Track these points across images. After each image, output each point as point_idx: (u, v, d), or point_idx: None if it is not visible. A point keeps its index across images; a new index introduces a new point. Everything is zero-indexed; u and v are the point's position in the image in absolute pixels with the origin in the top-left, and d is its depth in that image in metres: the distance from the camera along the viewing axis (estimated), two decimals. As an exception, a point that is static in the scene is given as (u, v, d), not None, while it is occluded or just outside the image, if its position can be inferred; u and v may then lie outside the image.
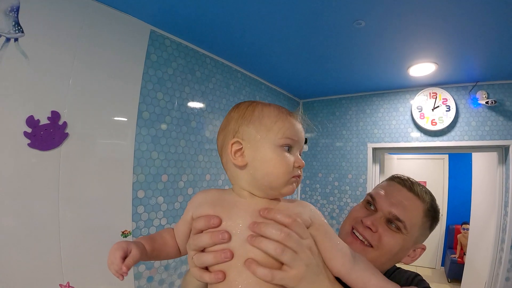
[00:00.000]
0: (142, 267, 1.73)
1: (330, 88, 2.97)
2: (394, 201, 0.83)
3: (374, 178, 3.06)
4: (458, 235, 5.61)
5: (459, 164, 5.82)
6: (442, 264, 6.18)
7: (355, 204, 2.70)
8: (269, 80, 2.78)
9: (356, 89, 2.99)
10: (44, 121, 1.33)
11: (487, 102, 2.44)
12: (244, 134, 0.63)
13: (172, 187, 1.88)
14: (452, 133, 2.68)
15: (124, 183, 1.64)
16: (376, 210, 0.84)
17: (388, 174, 3.84)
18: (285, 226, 0.59)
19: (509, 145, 2.49)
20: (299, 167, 0.64)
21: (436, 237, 6.22)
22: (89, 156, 1.49)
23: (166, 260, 1.84)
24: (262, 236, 0.58)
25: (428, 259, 6.35)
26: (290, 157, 0.63)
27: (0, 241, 1.23)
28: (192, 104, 2.02)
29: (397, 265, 0.90)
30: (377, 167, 3.10)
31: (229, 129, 0.65)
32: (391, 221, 0.81)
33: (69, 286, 1.39)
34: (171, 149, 1.88)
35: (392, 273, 0.89)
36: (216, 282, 0.60)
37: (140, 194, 1.71)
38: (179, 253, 0.74)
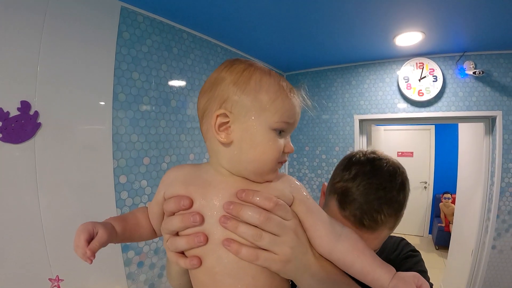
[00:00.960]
0: (131, 253, 1.71)
1: (314, 59, 2.89)
2: None
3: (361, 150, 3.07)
4: (440, 204, 5.82)
5: (445, 134, 5.94)
6: (430, 232, 6.48)
7: None
8: (251, 54, 2.69)
9: (341, 60, 2.92)
10: (14, 112, 1.26)
11: (474, 73, 2.42)
12: (234, 106, 0.54)
13: (155, 170, 1.84)
14: (439, 103, 2.67)
15: (105, 170, 1.60)
16: None
17: (375, 146, 3.87)
18: (266, 210, 0.53)
19: (496, 116, 2.50)
20: (287, 152, 0.58)
21: (423, 206, 6.48)
22: (65, 144, 1.43)
23: (155, 244, 1.83)
24: (238, 219, 0.53)
25: (416, 228, 6.62)
26: (281, 142, 0.56)
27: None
28: (171, 83, 1.95)
29: None
30: (364, 138, 3.10)
31: (216, 94, 0.55)
32: None
33: (58, 279, 1.37)
34: (151, 130, 1.82)
35: None
36: (192, 268, 0.56)
37: (122, 179, 1.67)
38: (154, 234, 0.69)
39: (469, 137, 3.51)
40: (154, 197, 0.64)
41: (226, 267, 0.54)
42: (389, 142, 6.43)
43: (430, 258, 5.70)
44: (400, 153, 6.50)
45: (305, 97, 0.61)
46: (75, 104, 1.47)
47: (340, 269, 0.60)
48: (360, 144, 3.05)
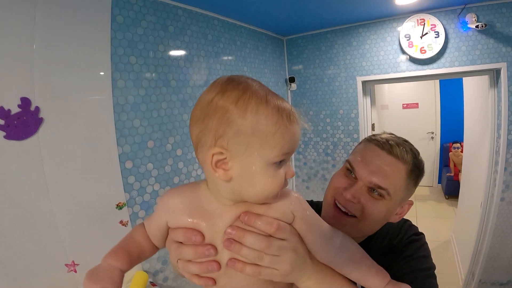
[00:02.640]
0: None
1: (313, 22, 2.83)
2: (373, 168, 0.79)
3: (365, 112, 3.09)
4: (450, 154, 5.85)
5: (450, 84, 5.86)
6: (439, 182, 6.58)
7: (348, 140, 2.74)
8: (249, 22, 2.64)
9: (341, 21, 2.85)
10: (15, 110, 1.28)
11: (477, 26, 2.36)
12: (230, 143, 0.51)
13: (160, 152, 1.89)
14: (442, 59, 2.63)
15: (110, 157, 1.64)
16: (356, 178, 0.81)
17: (378, 106, 3.87)
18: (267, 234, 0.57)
19: (501, 68, 2.47)
20: (288, 178, 0.58)
21: (431, 156, 6.53)
22: (68, 137, 1.47)
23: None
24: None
25: (425, 178, 6.59)
26: (282, 173, 0.56)
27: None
28: (169, 62, 1.94)
29: None
30: (368, 99, 3.10)
31: (209, 127, 0.52)
32: (373, 189, 0.78)
33: (74, 264, 1.47)
34: (153, 113, 1.84)
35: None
36: (207, 286, 0.61)
37: (128, 164, 1.72)
38: (156, 250, 0.68)
39: (474, 90, 3.49)
40: (154, 220, 0.63)
41: (238, 283, 0.60)
42: (394, 95, 6.39)
43: (440, 208, 5.86)
44: (405, 105, 6.47)
45: (303, 117, 0.58)
46: (74, 96, 1.49)
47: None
48: (364, 106, 3.06)
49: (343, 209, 0.80)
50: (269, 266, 0.57)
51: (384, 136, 0.85)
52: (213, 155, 0.52)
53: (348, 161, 0.85)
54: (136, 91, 1.75)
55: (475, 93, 3.47)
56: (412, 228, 0.92)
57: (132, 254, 0.63)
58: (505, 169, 2.59)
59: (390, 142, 0.82)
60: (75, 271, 1.48)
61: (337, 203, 0.81)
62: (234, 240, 0.56)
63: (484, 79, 2.75)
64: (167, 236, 0.64)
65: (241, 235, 0.56)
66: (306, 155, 3.39)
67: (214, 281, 0.60)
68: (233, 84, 0.54)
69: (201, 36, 2.19)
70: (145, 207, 1.82)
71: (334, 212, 0.81)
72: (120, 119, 1.67)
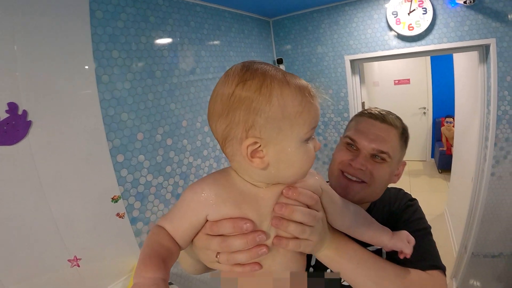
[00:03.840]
0: (139, 224, 1.87)
1: (299, 2, 2.82)
2: (372, 136, 0.93)
3: (355, 90, 3.12)
4: (442, 128, 5.96)
5: (441, 59, 5.89)
6: (432, 156, 6.76)
7: (339, 119, 2.80)
8: (233, 6, 2.63)
9: (327, 0, 2.84)
10: (3, 115, 1.31)
11: (465, 2, 2.36)
12: (262, 130, 0.53)
13: (150, 143, 1.93)
14: (431, 36, 2.65)
15: (102, 153, 1.68)
16: (358, 149, 0.94)
17: (369, 83, 3.90)
18: (308, 206, 0.62)
19: (490, 43, 2.49)
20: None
21: (424, 131, 6.70)
22: (58, 136, 1.49)
23: (161, 212, 1.99)
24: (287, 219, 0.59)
25: (419, 153, 6.93)
26: (312, 147, 0.59)
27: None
28: (152, 53, 1.95)
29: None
30: (357, 78, 3.13)
31: (237, 119, 0.53)
32: (376, 155, 0.92)
33: (76, 259, 1.53)
34: (140, 105, 1.86)
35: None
36: (250, 276, 0.62)
37: (120, 158, 1.76)
38: (179, 251, 0.65)
39: (464, 66, 3.53)
40: (185, 217, 0.60)
41: (280, 262, 0.63)
42: (385, 72, 6.43)
43: (433, 182, 6.03)
44: (397, 81, 6.52)
45: (320, 91, 0.61)
46: (60, 96, 1.50)
47: (345, 235, 0.75)
48: (353, 85, 3.09)
49: (354, 178, 0.93)
50: (308, 238, 0.63)
51: (373, 109, 1.01)
52: (247, 146, 0.54)
53: (347, 136, 0.98)
54: (122, 84, 1.76)
55: (465, 69, 3.50)
56: (406, 195, 1.08)
57: (166, 260, 0.57)
58: (495, 144, 2.66)
59: (381, 113, 0.98)
60: (78, 265, 1.54)
61: (346, 174, 0.94)
62: (282, 218, 0.59)
63: (474, 55, 2.77)
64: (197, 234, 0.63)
65: (290, 211, 0.59)
66: (298, 136, 3.43)
67: (261, 265, 0.61)
68: (250, 72, 0.55)
69: (184, 24, 2.19)
70: (140, 198, 1.87)
71: (345, 182, 0.94)
72: (107, 114, 1.70)
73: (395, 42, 2.78)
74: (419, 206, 1.05)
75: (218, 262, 0.61)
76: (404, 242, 0.77)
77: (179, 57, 2.14)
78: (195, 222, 0.60)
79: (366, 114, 1.00)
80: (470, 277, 3.29)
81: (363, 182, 0.92)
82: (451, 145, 5.36)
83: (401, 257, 0.77)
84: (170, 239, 0.60)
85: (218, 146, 1.76)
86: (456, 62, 4.02)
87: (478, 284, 3.31)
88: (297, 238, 0.61)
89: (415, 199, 1.07)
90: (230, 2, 2.52)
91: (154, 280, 0.52)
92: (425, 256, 0.86)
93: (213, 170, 1.87)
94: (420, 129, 6.69)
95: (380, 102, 6.56)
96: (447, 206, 4.85)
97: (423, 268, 0.81)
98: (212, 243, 0.59)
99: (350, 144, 0.97)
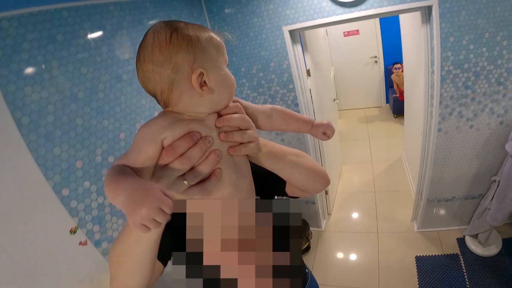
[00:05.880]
0: (104, 244, 1.91)
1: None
2: None
3: (298, 61, 3.12)
4: (392, 76, 6.26)
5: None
6: (387, 101, 7.24)
7: (285, 91, 2.90)
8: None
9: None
10: None
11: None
12: (203, 62, 0.68)
13: (91, 167, 1.90)
14: (371, 0, 2.63)
15: (45, 193, 1.65)
16: None
17: (319, 36, 3.87)
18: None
19: (432, 4, 2.50)
20: None
21: (377, 79, 7.25)
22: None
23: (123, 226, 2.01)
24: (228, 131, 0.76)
25: (374, 100, 7.41)
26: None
27: None
28: (69, 76, 1.82)
29: None
30: (299, 47, 3.11)
31: (180, 60, 0.65)
32: None
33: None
34: (70, 134, 1.80)
35: None
36: (217, 180, 0.73)
37: (65, 192, 1.74)
38: None
39: (408, 24, 3.66)
40: (141, 150, 0.66)
41: (239, 170, 0.81)
42: (333, 32, 6.58)
43: (390, 127, 6.58)
44: (346, 33, 6.79)
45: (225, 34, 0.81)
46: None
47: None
48: (295, 55, 3.08)
49: None
50: (250, 140, 0.80)
51: None
52: (197, 77, 0.67)
53: None
54: (45, 120, 1.68)
55: (409, 29, 3.61)
56: None
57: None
58: (440, 102, 2.82)
59: None
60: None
61: None
62: (225, 132, 0.75)
63: (417, 15, 2.80)
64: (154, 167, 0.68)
65: (228, 119, 0.75)
66: (248, 111, 3.45)
67: (221, 169, 0.75)
68: (173, 22, 0.70)
69: (98, 29, 2.03)
70: (97, 221, 1.90)
71: None
72: (39, 155, 1.63)
73: (333, 8, 2.73)
74: None
75: (187, 183, 0.69)
76: (322, 129, 0.95)
77: (100, 69, 2.01)
78: (151, 152, 0.66)
79: None
80: (428, 218, 3.64)
81: None
82: (402, 91, 5.62)
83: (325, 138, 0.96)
84: (133, 173, 0.64)
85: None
86: (401, 21, 4.11)
87: (436, 223, 3.67)
88: (242, 143, 0.79)
89: None
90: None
91: (130, 180, 0.58)
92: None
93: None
94: (373, 77, 7.16)
95: (331, 54, 6.87)
96: (404, 151, 5.16)
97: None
98: (174, 165, 0.67)
99: None
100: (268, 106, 0.92)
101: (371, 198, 4.61)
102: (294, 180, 1.03)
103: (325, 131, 0.93)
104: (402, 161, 5.17)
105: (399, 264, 3.44)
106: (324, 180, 1.13)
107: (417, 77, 3.50)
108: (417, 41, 3.13)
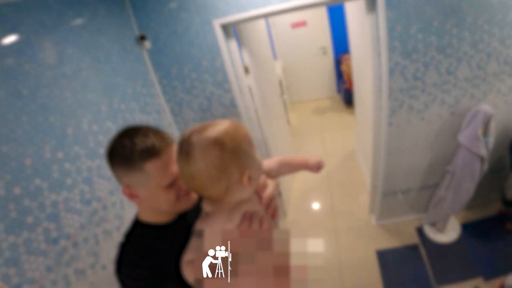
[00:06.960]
0: (25, 287, 1.58)
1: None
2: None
3: (233, 57, 2.88)
4: (341, 66, 6.38)
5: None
6: (339, 91, 7.42)
7: (221, 92, 2.65)
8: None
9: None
10: None
11: None
12: (248, 163, 0.83)
13: (16, 210, 1.57)
14: (312, -14, 2.41)
15: None
16: None
17: (255, 46, 3.65)
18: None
19: (377, -7, 2.34)
20: None
21: (327, 69, 7.28)
22: None
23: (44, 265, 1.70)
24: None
25: (326, 91, 7.52)
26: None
27: None
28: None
29: None
30: (233, 43, 2.87)
31: (232, 170, 0.80)
32: None
33: None
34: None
35: None
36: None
37: None
38: None
39: (353, 14, 3.55)
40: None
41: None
42: (277, 18, 6.48)
43: (343, 117, 6.65)
44: (294, 24, 6.70)
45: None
46: None
47: None
48: (230, 51, 2.84)
49: None
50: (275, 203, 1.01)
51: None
52: (247, 177, 0.82)
53: None
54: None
55: (354, 18, 3.51)
56: None
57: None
58: (390, 95, 2.71)
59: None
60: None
61: None
62: (273, 211, 1.00)
63: (361, 4, 2.66)
64: None
65: (267, 199, 0.96)
66: (184, 115, 3.18)
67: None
68: (216, 136, 0.80)
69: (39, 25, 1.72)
70: (12, 264, 1.53)
71: None
72: None
73: (267, -3, 2.50)
74: None
75: None
76: (315, 165, 1.18)
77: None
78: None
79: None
80: (385, 211, 3.60)
81: None
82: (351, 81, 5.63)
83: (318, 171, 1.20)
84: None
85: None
86: (347, 10, 4.02)
87: (394, 215, 3.63)
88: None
89: None
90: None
91: None
92: None
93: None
94: (323, 68, 7.19)
95: (278, 47, 6.90)
96: (356, 144, 5.12)
97: None
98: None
99: None
100: (276, 160, 1.11)
101: (327, 194, 4.55)
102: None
103: (318, 166, 1.18)
104: (355, 153, 5.13)
105: (361, 260, 3.40)
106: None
107: (364, 69, 3.37)
108: (363, 31, 3.00)
